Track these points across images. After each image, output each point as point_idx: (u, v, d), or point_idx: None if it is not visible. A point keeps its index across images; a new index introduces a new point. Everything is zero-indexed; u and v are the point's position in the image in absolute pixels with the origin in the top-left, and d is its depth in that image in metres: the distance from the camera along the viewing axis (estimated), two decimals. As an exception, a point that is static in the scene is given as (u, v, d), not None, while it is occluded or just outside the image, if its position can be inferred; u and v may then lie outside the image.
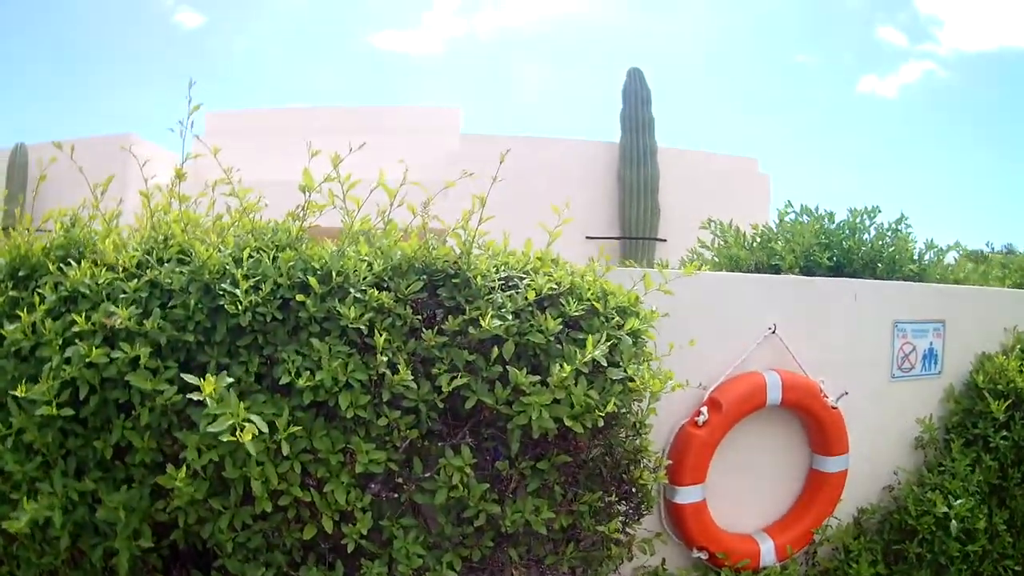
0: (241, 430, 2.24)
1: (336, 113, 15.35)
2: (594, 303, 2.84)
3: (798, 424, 3.82)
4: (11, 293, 2.72)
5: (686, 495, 3.33)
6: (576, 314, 2.77)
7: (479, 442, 2.69)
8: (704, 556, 3.43)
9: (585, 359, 2.66)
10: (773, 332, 3.68)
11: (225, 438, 2.24)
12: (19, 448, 2.64)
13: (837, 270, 4.47)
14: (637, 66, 12.49)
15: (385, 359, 2.50)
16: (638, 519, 3.07)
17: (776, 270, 4.28)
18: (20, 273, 2.81)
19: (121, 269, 2.57)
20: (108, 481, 2.60)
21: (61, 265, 2.61)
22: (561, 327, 2.71)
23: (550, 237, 2.89)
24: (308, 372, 2.47)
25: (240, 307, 2.48)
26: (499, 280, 2.72)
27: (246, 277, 2.51)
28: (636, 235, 11.49)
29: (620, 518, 3.01)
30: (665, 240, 11.48)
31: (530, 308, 2.73)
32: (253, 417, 2.33)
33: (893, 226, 4.64)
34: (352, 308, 2.51)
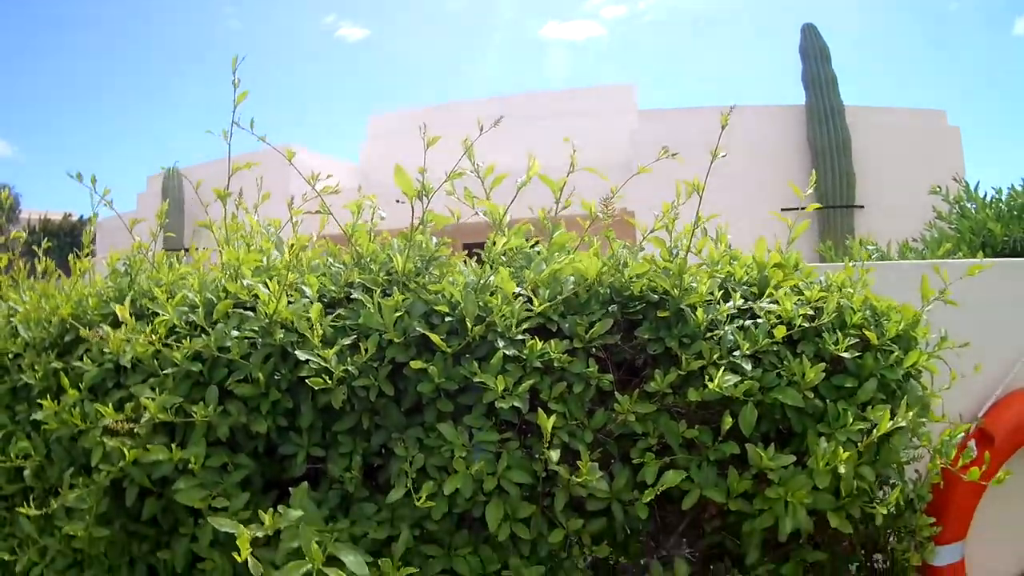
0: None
1: (504, 103, 13.49)
2: (865, 332, 1.69)
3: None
4: (54, 364, 1.81)
5: (944, 556, 2.26)
6: (843, 354, 1.64)
7: (696, 541, 1.67)
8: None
9: (867, 438, 1.56)
10: (1051, 329, 2.45)
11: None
12: (69, 560, 1.82)
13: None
14: (810, 22, 10.32)
15: (556, 452, 1.47)
16: (890, 606, 2.06)
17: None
18: (66, 338, 1.88)
19: (164, 332, 1.58)
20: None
21: (103, 327, 1.67)
22: (823, 375, 1.60)
23: (791, 232, 1.71)
24: (441, 474, 1.48)
25: (331, 380, 1.47)
26: (728, 308, 1.60)
27: (340, 332, 1.48)
28: (832, 203, 9.61)
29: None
30: (863, 207, 9.54)
31: (775, 348, 1.62)
32: (347, 553, 1.36)
33: None
34: (503, 375, 1.46)
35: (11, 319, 2.03)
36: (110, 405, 1.61)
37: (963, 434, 1.81)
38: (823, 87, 9.97)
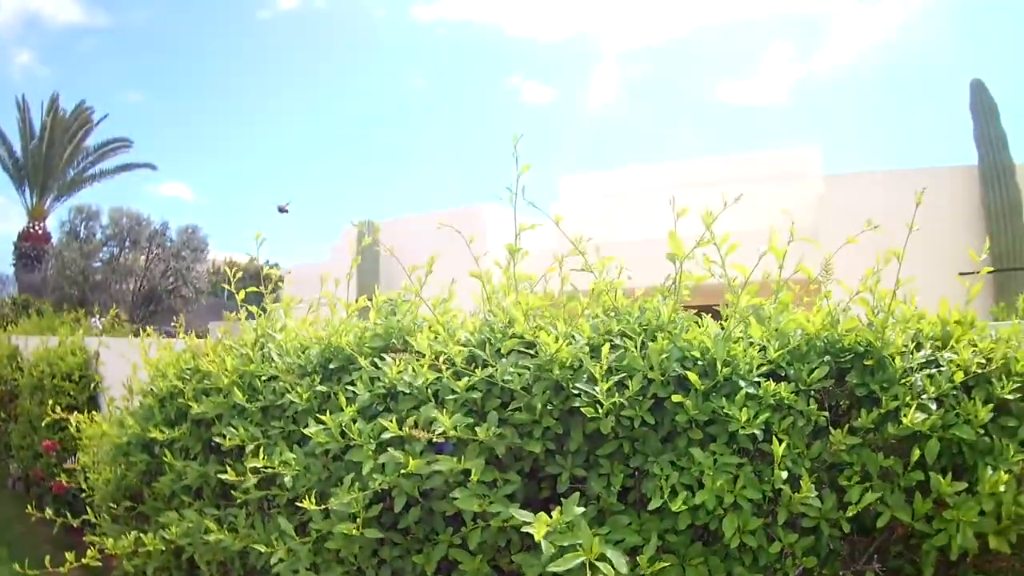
0: (592, 571, 1.57)
1: (687, 167, 13.22)
2: (1025, 379, 1.99)
3: None
4: (320, 387, 2.10)
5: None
6: (1008, 396, 1.94)
7: (884, 564, 1.96)
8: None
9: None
10: None
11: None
12: (320, 556, 2.08)
13: None
14: (978, 78, 9.99)
15: (784, 472, 1.77)
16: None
17: None
18: (331, 365, 2.17)
19: (446, 365, 1.87)
20: (428, 599, 2.03)
21: (376, 360, 1.95)
22: (991, 415, 1.90)
23: (969, 293, 2.02)
24: (686, 491, 1.77)
25: (600, 410, 1.76)
26: (920, 357, 1.90)
27: (608, 373, 1.78)
28: (1005, 266, 9.09)
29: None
30: (1034, 271, 8.84)
31: (954, 392, 1.92)
32: (611, 552, 1.65)
33: None
34: (744, 408, 1.76)
35: (263, 346, 2.31)
36: (390, 421, 1.88)
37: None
38: (993, 146, 9.67)
